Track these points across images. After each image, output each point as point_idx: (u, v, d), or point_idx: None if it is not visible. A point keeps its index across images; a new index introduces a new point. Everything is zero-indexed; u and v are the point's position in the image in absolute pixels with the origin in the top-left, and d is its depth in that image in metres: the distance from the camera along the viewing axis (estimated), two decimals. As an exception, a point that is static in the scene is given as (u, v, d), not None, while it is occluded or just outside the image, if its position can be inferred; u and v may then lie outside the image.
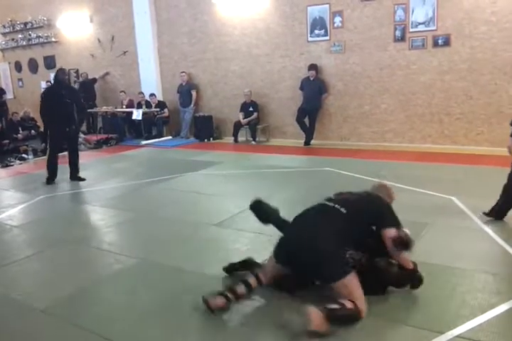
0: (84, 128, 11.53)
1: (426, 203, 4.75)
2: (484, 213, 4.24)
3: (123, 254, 3.72)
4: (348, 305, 2.48)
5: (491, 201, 4.69)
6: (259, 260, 3.23)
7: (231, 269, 3.21)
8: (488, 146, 7.41)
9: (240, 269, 3.18)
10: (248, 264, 3.17)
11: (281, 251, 2.86)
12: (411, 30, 7.77)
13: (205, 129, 10.02)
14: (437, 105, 7.78)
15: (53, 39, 12.67)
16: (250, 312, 2.79)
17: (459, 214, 4.40)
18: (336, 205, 2.89)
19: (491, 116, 7.41)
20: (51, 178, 6.50)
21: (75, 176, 6.63)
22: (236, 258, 3.50)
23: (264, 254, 3.55)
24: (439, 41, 7.55)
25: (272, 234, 4.01)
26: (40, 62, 13.30)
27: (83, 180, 6.59)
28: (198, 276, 3.26)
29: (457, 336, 2.41)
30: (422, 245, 3.51)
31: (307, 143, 8.82)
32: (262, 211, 3.34)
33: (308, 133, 8.85)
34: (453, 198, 4.84)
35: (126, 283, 3.24)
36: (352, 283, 2.58)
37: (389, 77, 8.13)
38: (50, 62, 13.03)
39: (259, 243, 3.84)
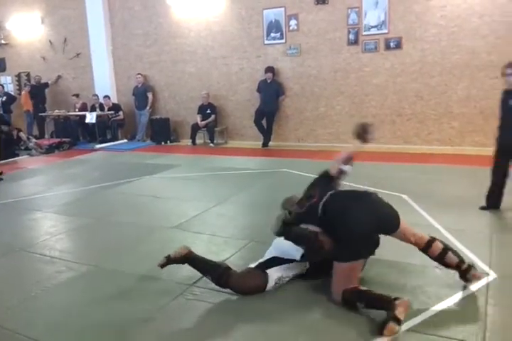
0: (36, 132, 11.22)
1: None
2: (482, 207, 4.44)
3: (75, 261, 3.62)
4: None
5: (439, 198, 4.87)
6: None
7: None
8: (438, 145, 7.69)
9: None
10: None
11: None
12: (364, 33, 7.96)
13: (162, 132, 9.92)
14: (390, 106, 7.99)
15: (3, 41, 12.21)
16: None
17: (409, 211, 4.52)
18: None
19: (441, 116, 7.68)
20: None
21: None
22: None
23: (222, 255, 3.56)
24: (391, 44, 7.76)
25: (228, 236, 4.03)
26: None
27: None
28: (151, 280, 3.20)
29: (408, 330, 2.47)
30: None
31: (265, 144, 8.88)
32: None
33: (266, 135, 8.91)
34: (403, 196, 4.98)
35: (77, 291, 3.15)
36: None
37: (343, 80, 8.29)
38: (0, 64, 12.56)
39: (216, 245, 3.82)
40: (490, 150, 7.07)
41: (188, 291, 3.00)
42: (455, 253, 2.94)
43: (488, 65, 7.16)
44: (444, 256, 2.91)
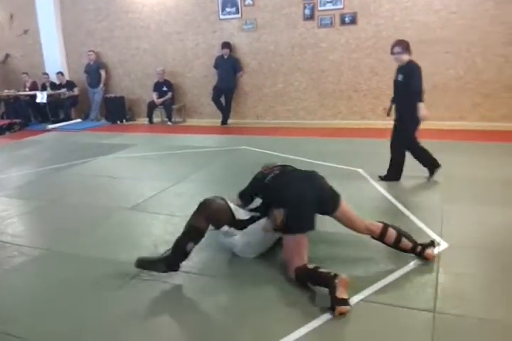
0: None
1: (334, 176, 4.88)
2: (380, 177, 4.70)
3: (26, 246, 3.51)
4: None
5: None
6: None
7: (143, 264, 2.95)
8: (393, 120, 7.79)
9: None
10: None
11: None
12: (319, 8, 7.90)
13: (116, 111, 9.65)
14: (346, 82, 8.04)
15: None
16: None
17: (364, 185, 4.63)
18: None
19: (396, 92, 7.78)
20: None
21: None
22: (148, 242, 3.45)
23: (178, 235, 3.53)
24: (346, 19, 7.76)
25: (186, 215, 3.98)
26: None
27: None
28: (105, 263, 3.15)
29: (361, 300, 2.54)
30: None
31: (224, 122, 8.80)
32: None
33: (225, 112, 8.82)
34: (359, 170, 5.07)
35: (29, 275, 3.06)
36: None
37: (300, 56, 8.25)
38: None
39: (173, 225, 3.78)
40: (443, 124, 7.35)
41: (145, 272, 2.97)
42: (408, 237, 3.01)
43: (441, 40, 7.28)
44: (399, 242, 3.00)
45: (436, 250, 3.07)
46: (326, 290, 2.48)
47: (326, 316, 2.40)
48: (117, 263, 3.13)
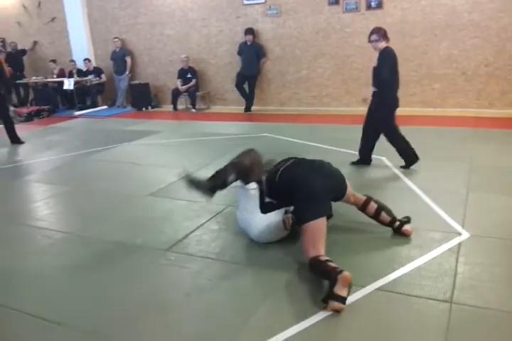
0: (15, 100, 10.94)
1: (359, 165, 4.87)
2: (402, 166, 4.64)
3: (50, 229, 3.61)
4: None
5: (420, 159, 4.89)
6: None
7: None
8: (421, 107, 7.66)
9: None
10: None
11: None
12: (345, -8, 7.74)
13: (142, 97, 9.73)
14: (371, 68, 7.86)
15: (-26, 6, 11.71)
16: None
17: (387, 173, 4.57)
18: None
19: (423, 78, 7.62)
20: None
21: (14, 139, 6.84)
22: (167, 227, 3.50)
23: (197, 221, 3.58)
24: (372, 4, 7.58)
25: (203, 200, 4.03)
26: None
27: (22, 142, 6.87)
28: (126, 247, 3.21)
29: (378, 289, 2.53)
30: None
31: (248, 109, 8.78)
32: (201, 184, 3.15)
33: (248, 99, 8.79)
34: (383, 158, 4.99)
35: (52, 258, 3.15)
36: None
37: (324, 41, 8.12)
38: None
39: (192, 211, 3.82)
40: (471, 111, 7.16)
41: (163, 256, 3.02)
42: (388, 212, 3.19)
43: (469, 25, 7.05)
44: (378, 215, 3.18)
45: (457, 239, 3.03)
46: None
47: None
48: (136, 247, 3.19)
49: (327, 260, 2.56)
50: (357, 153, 4.97)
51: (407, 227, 3.16)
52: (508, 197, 3.81)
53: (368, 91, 4.60)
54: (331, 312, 2.32)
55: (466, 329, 2.18)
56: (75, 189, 4.66)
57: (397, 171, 4.61)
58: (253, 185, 3.16)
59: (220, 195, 4.19)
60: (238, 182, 3.18)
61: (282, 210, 3.12)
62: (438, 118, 7.11)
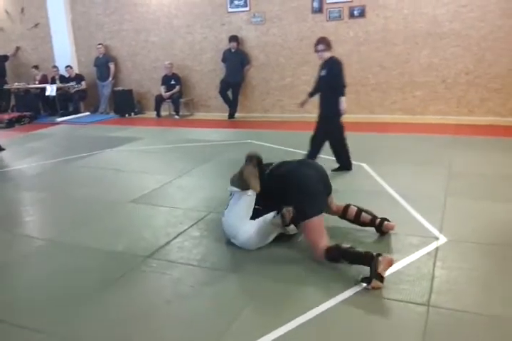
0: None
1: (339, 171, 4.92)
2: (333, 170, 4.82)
3: (30, 236, 3.57)
4: None
5: (397, 165, 4.98)
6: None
7: None
8: (401, 114, 7.78)
9: None
10: None
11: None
12: (328, 1, 7.85)
13: (125, 104, 9.70)
14: (354, 76, 7.96)
15: (-45, 11, 11.58)
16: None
17: (367, 179, 4.62)
18: None
19: (404, 86, 7.74)
20: None
21: None
22: (148, 234, 3.48)
23: (179, 227, 3.57)
24: (355, 12, 7.69)
25: (188, 207, 4.03)
26: None
27: (3, 149, 6.68)
28: (107, 253, 3.20)
29: (356, 293, 2.55)
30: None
31: (231, 116, 8.80)
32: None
33: (232, 106, 8.82)
34: (363, 164, 5.05)
35: (31, 265, 3.12)
36: None
37: (308, 49, 8.17)
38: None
39: (174, 217, 3.82)
40: (452, 119, 7.29)
41: (144, 263, 3.00)
42: (368, 212, 3.29)
43: (450, 33, 7.19)
44: (359, 216, 3.27)
45: (434, 244, 3.08)
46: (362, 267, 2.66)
47: (323, 307, 2.42)
48: (116, 254, 3.17)
49: (351, 247, 2.76)
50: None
51: (388, 223, 3.27)
52: (486, 202, 3.88)
53: (343, 102, 4.73)
54: (309, 318, 2.34)
55: (443, 332, 2.22)
56: (54, 196, 4.62)
57: (378, 177, 4.66)
58: (250, 191, 3.17)
59: (202, 201, 4.24)
60: (234, 188, 3.22)
61: (270, 215, 3.11)
62: (418, 126, 7.21)
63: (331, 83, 4.72)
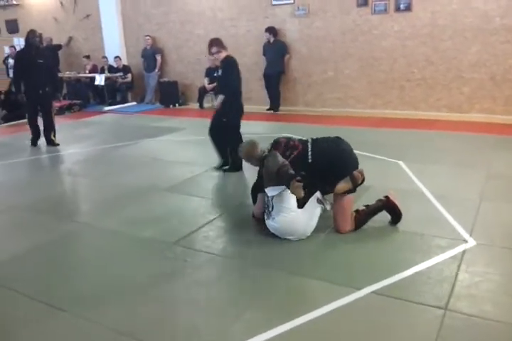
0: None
1: (373, 167, 4.83)
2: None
3: (65, 219, 3.76)
4: None
5: (435, 164, 4.86)
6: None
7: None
8: (446, 112, 7.54)
9: None
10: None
11: None
12: (374, -6, 7.68)
13: (170, 95, 9.90)
14: (398, 71, 7.81)
15: (15, 2, 12.10)
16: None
17: (401, 177, 4.54)
18: None
19: (451, 82, 7.49)
20: (34, 139, 6.55)
21: (48, 140, 6.56)
22: (177, 222, 3.59)
23: (206, 217, 3.66)
24: (401, 6, 7.50)
25: (217, 198, 4.12)
26: (3, 27, 12.79)
27: (57, 145, 6.52)
28: (135, 238, 3.33)
29: (373, 292, 2.54)
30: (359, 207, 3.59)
31: (275, 109, 8.79)
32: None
33: (274, 99, 8.81)
34: (400, 162, 4.96)
35: (65, 246, 3.30)
36: None
37: (352, 42, 8.08)
38: (12, 26, 12.51)
39: (203, 207, 3.91)
40: (498, 118, 7.00)
41: (169, 250, 3.11)
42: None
43: (501, 29, 6.89)
44: (367, 206, 3.41)
45: (462, 247, 3.01)
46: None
47: (336, 304, 2.43)
48: (144, 239, 3.30)
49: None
50: (381, 157, 5.06)
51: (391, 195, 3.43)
52: (523, 206, 3.74)
53: (220, 99, 4.72)
54: (322, 313, 2.36)
55: (457, 337, 2.18)
56: (94, 181, 4.85)
57: (412, 175, 4.57)
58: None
59: (232, 193, 4.31)
60: (275, 191, 3.16)
61: (314, 200, 3.22)
62: (462, 124, 6.98)
63: (224, 82, 4.74)
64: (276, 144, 3.41)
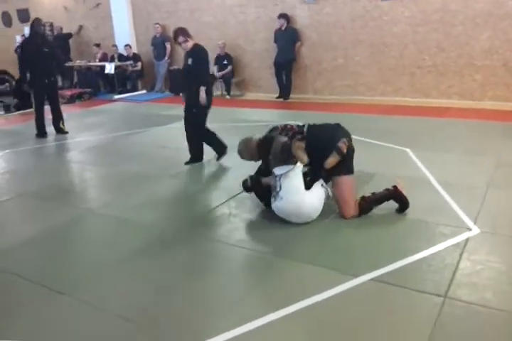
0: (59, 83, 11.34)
1: (380, 155, 4.83)
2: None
3: (72, 206, 3.82)
4: None
5: (443, 152, 4.81)
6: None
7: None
8: (458, 99, 7.43)
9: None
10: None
11: None
12: (385, -21, 7.55)
13: (179, 83, 9.87)
14: (409, 57, 7.69)
15: (26, -9, 12.19)
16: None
17: (407, 165, 4.50)
18: None
19: (463, 69, 7.37)
20: (41, 130, 6.57)
21: (57, 129, 6.64)
22: (181, 209, 3.62)
23: (211, 203, 3.69)
24: (412, -10, 7.36)
25: (223, 185, 4.15)
26: (14, 16, 12.86)
27: (66, 133, 6.62)
28: (137, 225, 3.38)
29: (372, 279, 2.55)
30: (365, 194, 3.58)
31: (283, 97, 8.74)
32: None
33: (284, 87, 8.75)
34: (407, 150, 4.92)
35: (70, 232, 3.36)
36: None
37: (362, 29, 7.98)
38: (24, 15, 12.56)
39: (208, 193, 3.95)
40: (509, 105, 6.88)
41: (173, 236, 3.15)
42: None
43: (514, 14, 6.75)
44: (374, 193, 3.42)
45: (465, 234, 2.99)
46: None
47: (331, 292, 2.45)
48: (148, 226, 3.34)
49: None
50: (389, 145, 4.99)
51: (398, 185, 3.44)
52: (529, 195, 3.70)
53: (203, 91, 4.60)
54: (321, 299, 2.38)
55: (455, 325, 2.19)
56: (102, 168, 4.92)
57: (419, 163, 4.53)
58: (298, 164, 3.27)
59: (237, 180, 4.33)
60: (282, 170, 3.23)
61: (319, 184, 3.31)
62: (474, 111, 6.88)
63: (195, 72, 4.62)
64: (273, 128, 3.47)
